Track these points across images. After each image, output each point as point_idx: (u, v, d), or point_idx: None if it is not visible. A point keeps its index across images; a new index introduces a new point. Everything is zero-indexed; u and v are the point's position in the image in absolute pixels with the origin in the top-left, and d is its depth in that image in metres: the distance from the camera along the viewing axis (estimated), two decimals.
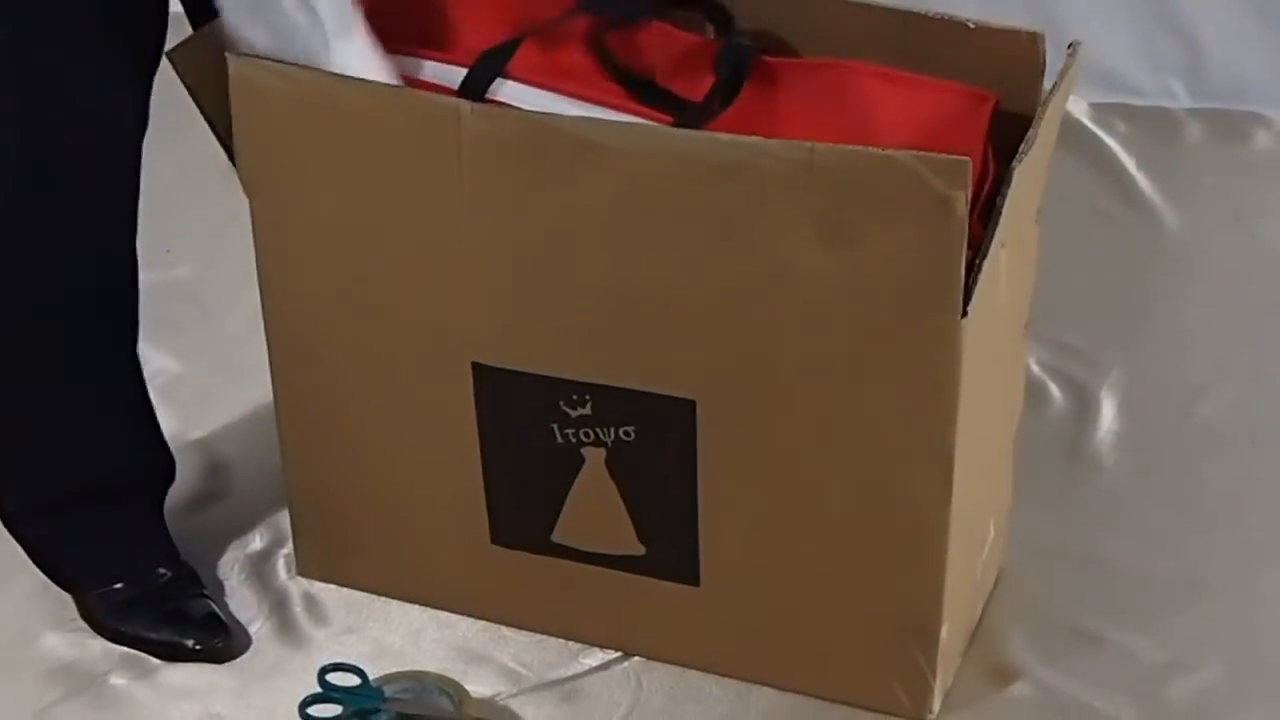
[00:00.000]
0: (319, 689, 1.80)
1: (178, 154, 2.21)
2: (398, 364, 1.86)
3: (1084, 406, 2.29)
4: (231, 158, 1.84)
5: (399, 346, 1.85)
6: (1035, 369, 2.32)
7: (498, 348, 1.80)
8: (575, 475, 1.84)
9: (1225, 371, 2.35)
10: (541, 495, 1.87)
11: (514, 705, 1.88)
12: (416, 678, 1.83)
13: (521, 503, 1.89)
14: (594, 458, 1.82)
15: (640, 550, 1.86)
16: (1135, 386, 2.32)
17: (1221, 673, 1.91)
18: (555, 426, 1.81)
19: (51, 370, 1.88)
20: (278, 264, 1.87)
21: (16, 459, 1.94)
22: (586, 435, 1.81)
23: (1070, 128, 2.81)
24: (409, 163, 1.75)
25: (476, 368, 1.82)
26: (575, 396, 1.79)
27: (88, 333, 1.88)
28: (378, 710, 1.79)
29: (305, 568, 2.05)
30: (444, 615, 1.98)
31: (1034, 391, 2.29)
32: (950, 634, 1.83)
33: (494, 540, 1.92)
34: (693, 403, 1.75)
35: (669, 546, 1.85)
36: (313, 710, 1.79)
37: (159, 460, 2.02)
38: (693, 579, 1.86)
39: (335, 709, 1.79)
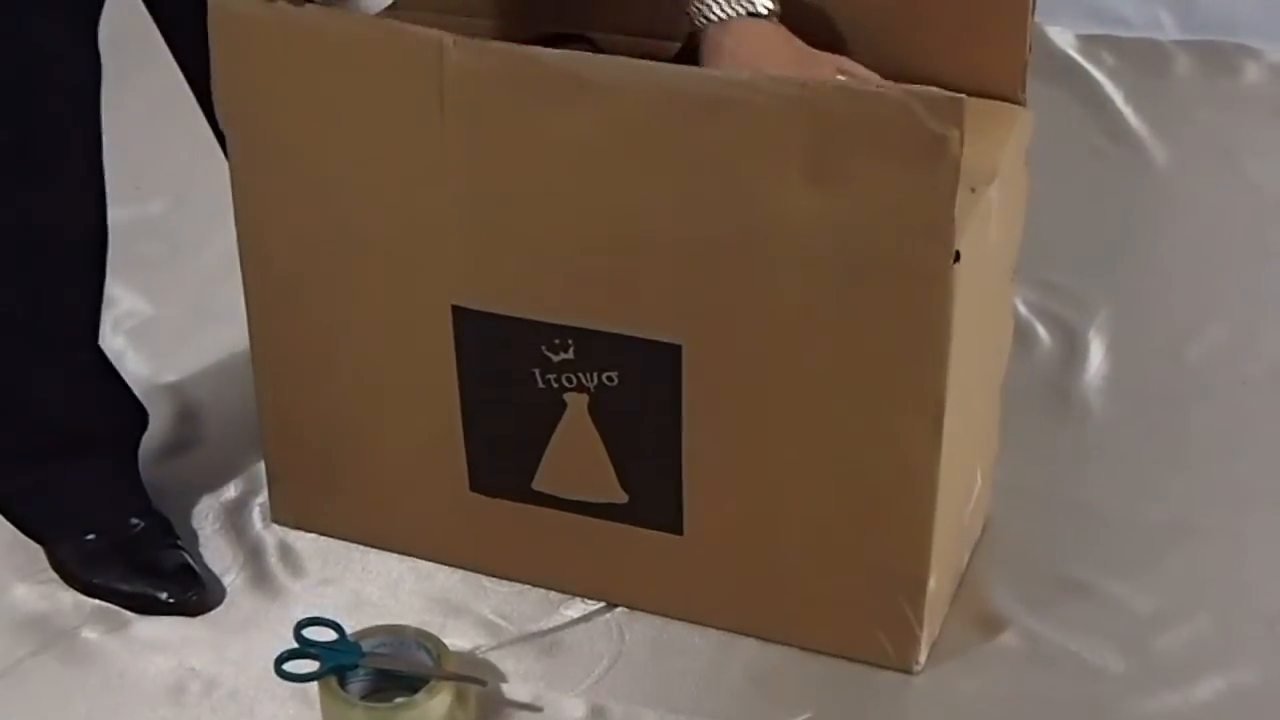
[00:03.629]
0: (295, 644, 1.77)
1: (146, 88, 2.17)
2: (377, 307, 1.83)
3: (1072, 348, 2.26)
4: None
5: (378, 289, 1.81)
6: (1022, 310, 2.29)
7: (478, 290, 1.77)
8: (557, 421, 1.81)
9: (1214, 312, 2.33)
10: (522, 442, 1.84)
11: (494, 659, 1.85)
12: (395, 632, 1.80)
13: (501, 449, 1.86)
14: (576, 403, 1.79)
15: (623, 498, 1.83)
16: (1123, 327, 2.30)
17: (1210, 622, 1.89)
18: (537, 371, 1.78)
19: (16, 321, 1.84)
20: (255, 202, 1.83)
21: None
22: (569, 380, 1.78)
23: (1057, 60, 2.79)
24: (391, 97, 1.71)
25: (456, 311, 1.78)
26: (557, 340, 1.76)
27: (55, 283, 1.84)
28: (355, 666, 1.76)
29: (280, 514, 2.02)
30: (422, 566, 1.95)
31: (1021, 333, 2.26)
32: (937, 584, 1.81)
33: (473, 488, 1.89)
34: (678, 347, 1.72)
35: (652, 495, 1.82)
36: (289, 666, 1.76)
37: (129, 408, 1.99)
38: (675, 528, 1.83)
39: (312, 665, 1.76)
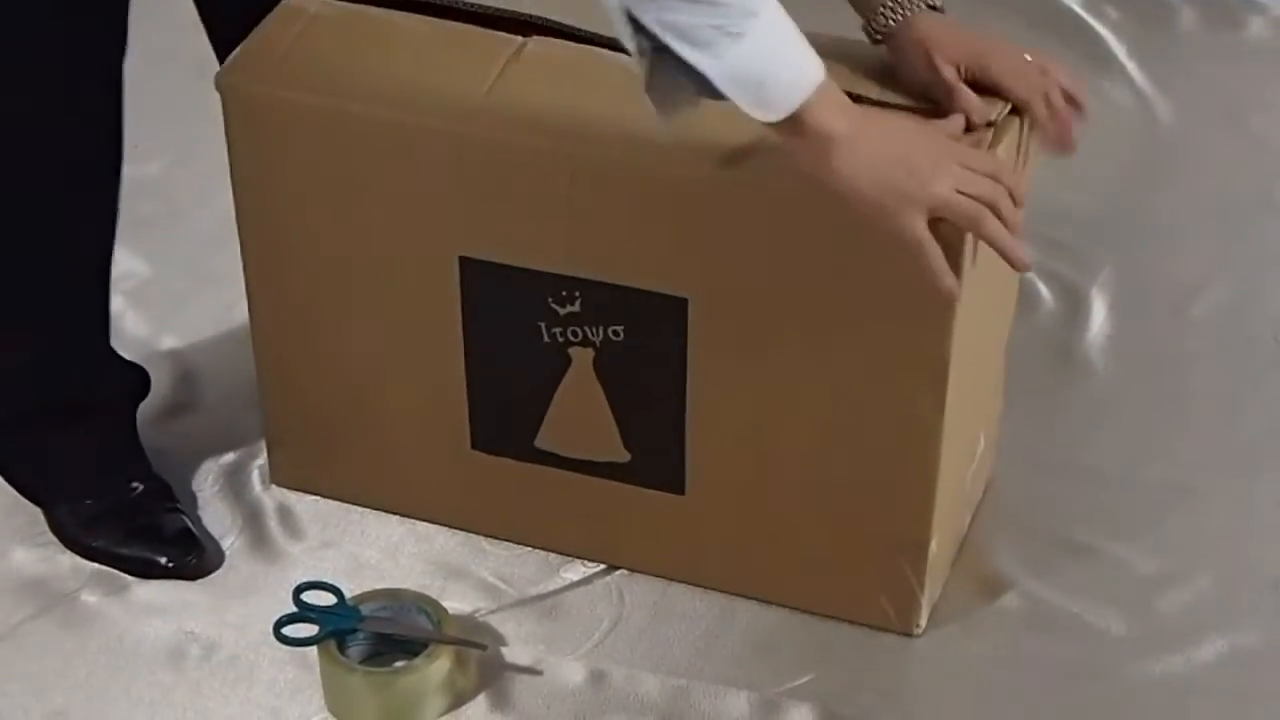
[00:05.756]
0: (294, 608, 1.77)
1: (144, 45, 2.15)
2: (380, 259, 1.81)
3: (1074, 307, 2.24)
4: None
5: (382, 241, 1.80)
6: None
7: (487, 241, 1.75)
8: (561, 377, 1.80)
9: (1219, 269, 2.31)
10: (526, 398, 1.83)
11: (494, 622, 1.85)
12: (394, 596, 1.80)
13: (505, 406, 1.85)
14: (581, 359, 1.78)
15: (625, 457, 1.83)
16: (1127, 286, 2.28)
17: (1212, 583, 1.89)
18: (543, 325, 1.77)
19: (27, 285, 1.83)
20: (251, 154, 1.80)
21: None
22: (574, 335, 1.77)
23: (1060, 15, 2.76)
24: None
25: (464, 262, 1.77)
26: (565, 293, 1.75)
27: (66, 246, 1.83)
28: (355, 630, 1.76)
29: (279, 476, 2.00)
30: (422, 528, 1.95)
31: (1024, 292, 2.23)
32: (939, 547, 1.81)
33: (475, 446, 1.88)
34: (684, 301, 1.71)
35: (655, 454, 1.82)
36: (288, 630, 1.75)
37: (133, 373, 1.98)
38: (678, 488, 1.82)
39: (311, 629, 1.75)
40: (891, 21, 1.67)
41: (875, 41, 1.69)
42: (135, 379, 1.99)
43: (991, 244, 1.56)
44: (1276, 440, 2.06)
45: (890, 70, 1.68)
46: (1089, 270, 2.30)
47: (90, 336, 1.92)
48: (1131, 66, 2.68)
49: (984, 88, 1.64)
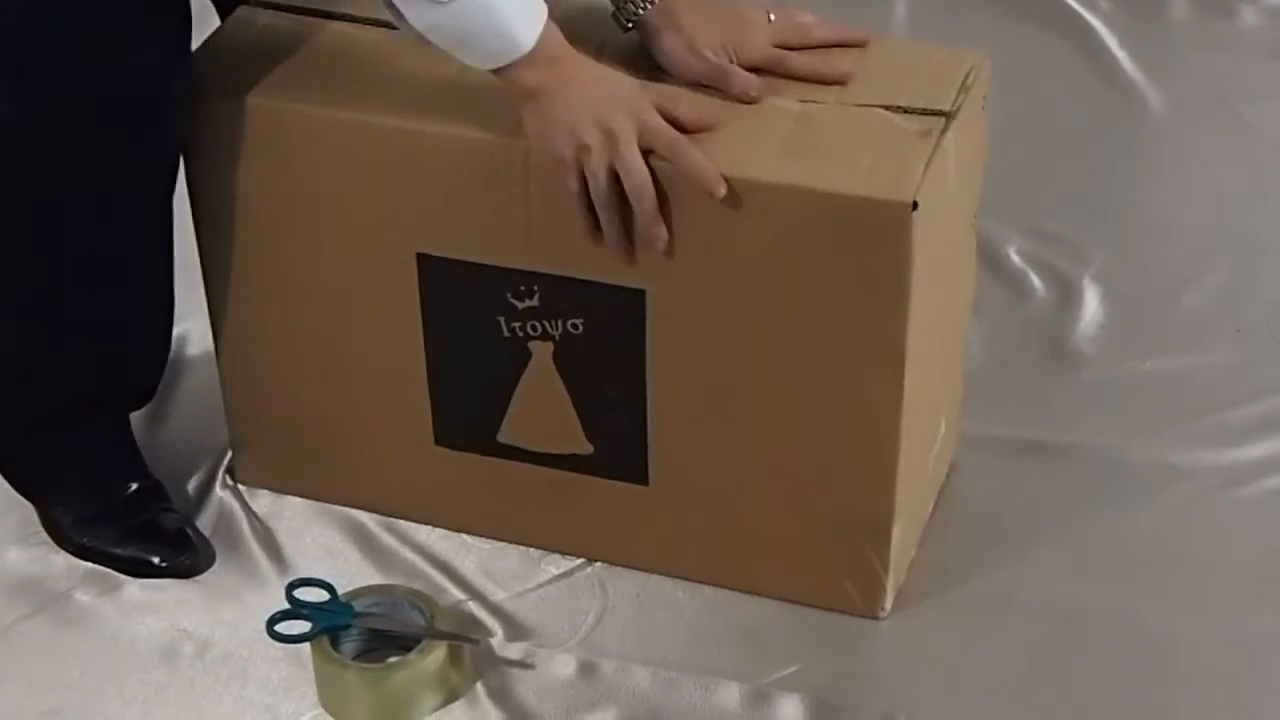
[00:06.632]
0: (287, 605, 1.77)
1: None
2: (338, 258, 1.81)
3: (1067, 297, 2.24)
4: None
5: (339, 240, 1.80)
6: (1016, 259, 2.28)
7: (444, 238, 1.76)
8: (522, 371, 1.81)
9: (1210, 258, 2.31)
10: (487, 393, 1.84)
11: (482, 616, 1.85)
12: (387, 592, 1.80)
13: (467, 401, 1.86)
14: (541, 352, 1.79)
15: (588, 449, 1.83)
16: (1118, 275, 2.28)
17: (1194, 570, 1.89)
18: (502, 320, 1.78)
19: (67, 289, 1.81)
20: (206, 156, 1.80)
21: (13, 379, 1.88)
22: (534, 329, 1.77)
23: (1051, 4, 2.76)
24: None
25: (422, 259, 1.77)
26: (523, 287, 1.75)
27: (114, 249, 1.81)
28: (348, 626, 1.76)
29: (244, 475, 2.00)
30: (407, 524, 1.95)
31: (1016, 282, 2.25)
32: (902, 531, 1.81)
33: (439, 442, 1.89)
34: (643, 293, 1.72)
35: (617, 445, 1.83)
36: (281, 627, 1.76)
37: (152, 376, 1.95)
38: (641, 479, 1.83)
39: (304, 625, 1.75)
40: (642, 9, 1.69)
41: (626, 30, 1.72)
42: (154, 379, 1.96)
43: (690, 172, 1.61)
44: (1269, 432, 2.05)
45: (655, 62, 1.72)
46: (1081, 260, 2.30)
47: (124, 338, 1.89)
48: (1123, 57, 2.67)
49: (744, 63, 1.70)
